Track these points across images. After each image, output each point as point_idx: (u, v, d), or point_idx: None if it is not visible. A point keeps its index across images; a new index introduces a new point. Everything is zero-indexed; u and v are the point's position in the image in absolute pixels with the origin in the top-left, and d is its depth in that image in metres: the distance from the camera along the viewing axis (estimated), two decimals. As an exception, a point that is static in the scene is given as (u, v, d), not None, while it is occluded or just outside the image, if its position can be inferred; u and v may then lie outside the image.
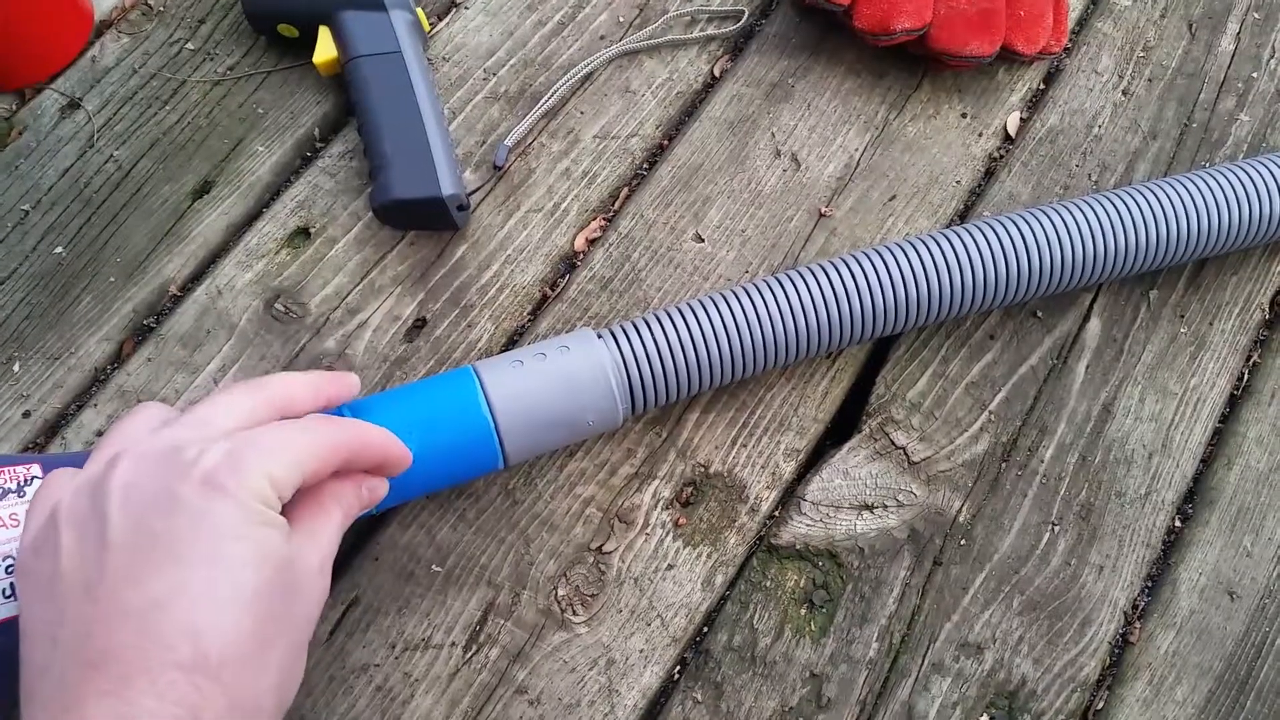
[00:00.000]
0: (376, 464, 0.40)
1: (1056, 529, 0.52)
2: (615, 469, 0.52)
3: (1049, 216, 0.52)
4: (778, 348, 0.50)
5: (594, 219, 0.58)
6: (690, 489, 0.52)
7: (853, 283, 0.50)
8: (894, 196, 0.59)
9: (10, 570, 0.39)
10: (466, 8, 0.64)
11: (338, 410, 0.43)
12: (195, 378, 0.53)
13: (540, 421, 0.46)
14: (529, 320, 0.56)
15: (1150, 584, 0.52)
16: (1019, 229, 0.51)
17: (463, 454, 0.45)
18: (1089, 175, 0.61)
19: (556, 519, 0.51)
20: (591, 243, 0.58)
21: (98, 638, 0.31)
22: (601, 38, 0.63)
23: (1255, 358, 0.57)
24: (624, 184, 0.60)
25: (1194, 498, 0.53)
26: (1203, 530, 0.53)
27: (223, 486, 0.33)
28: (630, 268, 0.57)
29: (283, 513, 0.36)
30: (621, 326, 0.49)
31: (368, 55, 0.57)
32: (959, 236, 0.51)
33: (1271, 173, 0.54)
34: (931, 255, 0.51)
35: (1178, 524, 0.53)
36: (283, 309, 0.55)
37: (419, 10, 0.60)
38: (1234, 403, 0.56)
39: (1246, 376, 0.56)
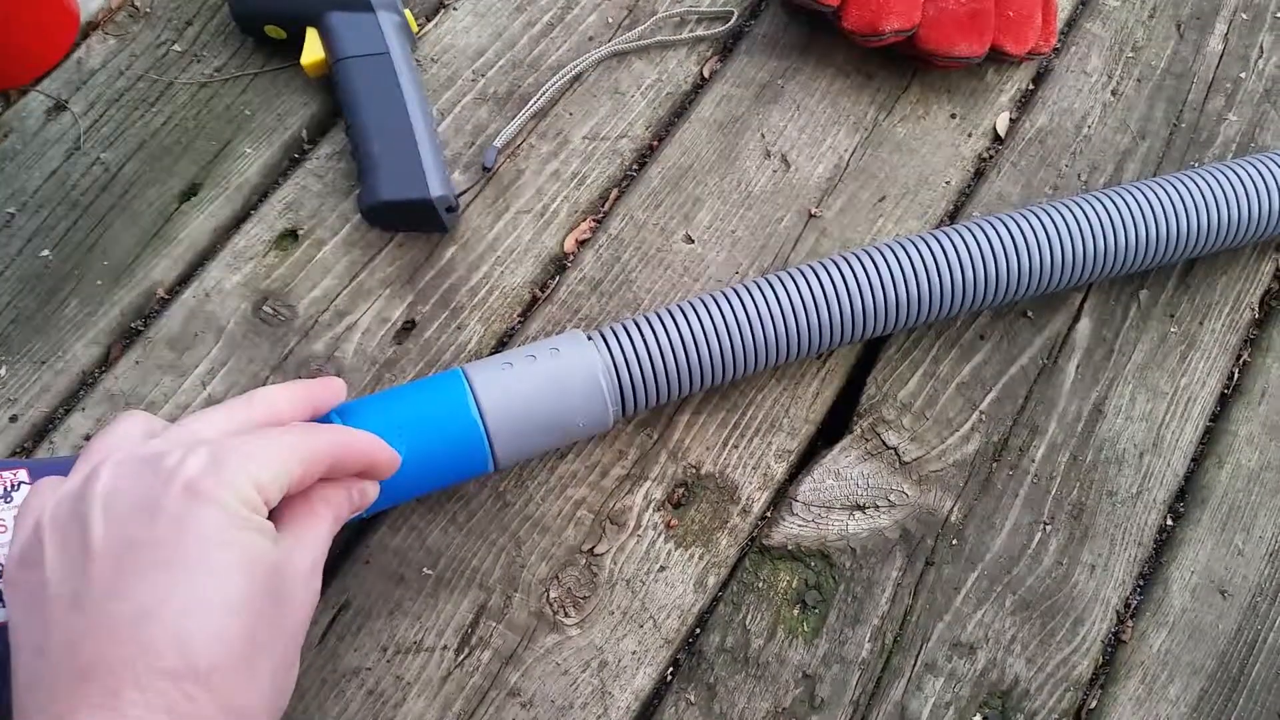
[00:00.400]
0: (364, 468, 0.40)
1: (1048, 528, 0.52)
2: (606, 470, 0.52)
3: (1039, 217, 0.52)
4: (768, 349, 0.50)
5: (584, 220, 0.58)
6: (682, 490, 0.52)
7: (843, 284, 0.50)
8: (884, 197, 0.59)
9: (-3, 576, 0.39)
10: (455, 9, 0.64)
11: (326, 416, 0.43)
12: (183, 380, 0.53)
13: (530, 424, 0.46)
14: (519, 322, 0.56)
15: (1142, 583, 0.52)
16: (1009, 230, 0.51)
17: (452, 457, 0.45)
18: (1078, 175, 0.61)
19: (548, 521, 0.51)
20: (581, 244, 0.58)
21: (86, 648, 0.31)
22: (590, 39, 0.63)
23: (1245, 357, 0.57)
24: (614, 185, 0.59)
25: (1185, 497, 0.54)
26: (1194, 529, 0.53)
27: (205, 492, 0.33)
28: (620, 269, 0.57)
29: (271, 517, 0.36)
30: (611, 328, 0.49)
31: (355, 57, 0.57)
32: (949, 237, 0.51)
33: (1260, 172, 0.54)
34: (921, 256, 0.51)
35: (1169, 523, 0.53)
36: (271, 311, 0.54)
37: (407, 11, 0.59)
38: (1224, 402, 0.56)
39: (1236, 375, 0.57)
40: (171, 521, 0.32)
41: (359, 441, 0.40)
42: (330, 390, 0.43)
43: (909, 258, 0.51)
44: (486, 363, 0.47)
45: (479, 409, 0.45)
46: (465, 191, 0.58)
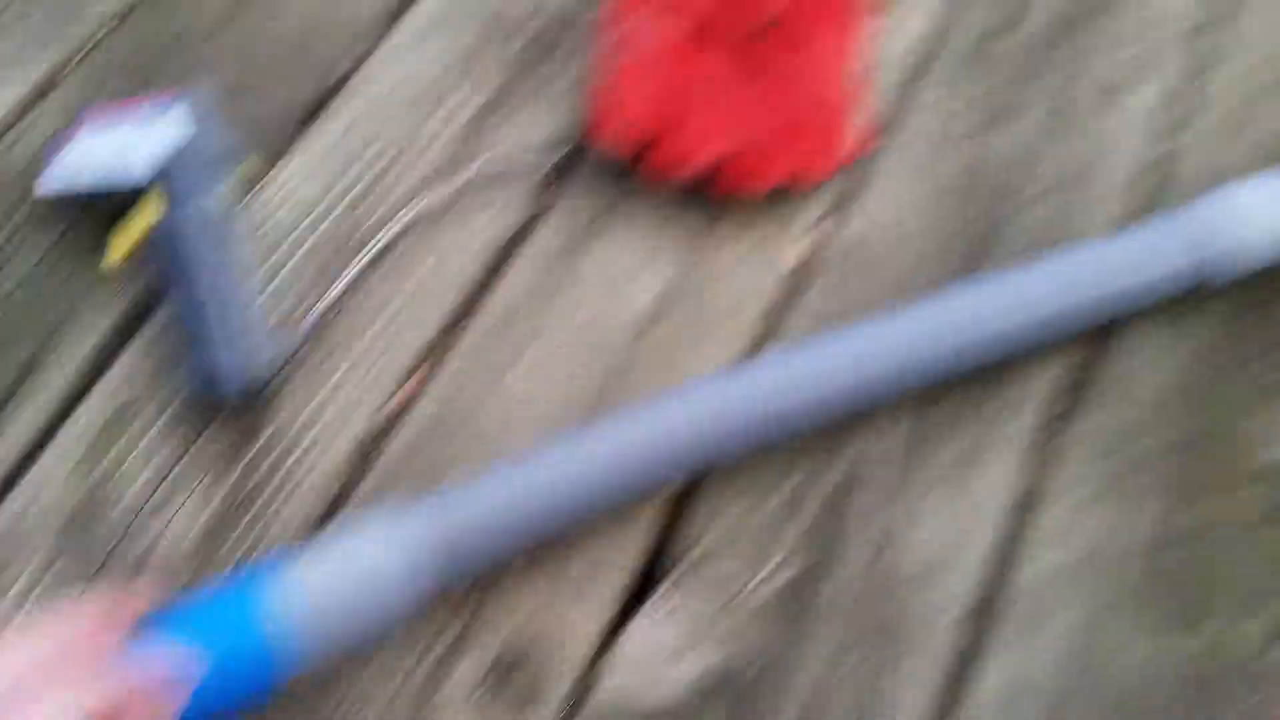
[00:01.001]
0: (158, 693, 0.42)
1: (856, 652, 0.53)
2: (422, 657, 0.52)
3: (828, 347, 0.55)
4: (582, 506, 0.52)
5: (412, 374, 0.59)
6: (500, 664, 0.52)
7: (652, 433, 0.52)
8: (702, 327, 0.61)
9: None
10: (283, 168, 0.65)
11: (134, 626, 0.44)
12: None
13: (338, 620, 0.47)
14: (350, 486, 0.56)
15: (950, 699, 0.53)
16: (799, 363, 0.54)
17: (247, 672, 0.45)
18: (896, 282, 0.62)
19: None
20: (409, 400, 0.59)
21: None
22: (415, 190, 0.64)
23: (1038, 459, 0.58)
24: (442, 334, 0.61)
25: (987, 605, 0.54)
26: (997, 637, 0.54)
27: None
28: (455, 420, 0.58)
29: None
30: (421, 509, 0.50)
31: (170, 234, 0.58)
32: (749, 375, 0.54)
33: (1060, 272, 0.57)
34: (724, 396, 0.53)
35: (973, 634, 0.54)
36: (92, 512, 0.55)
37: (239, 168, 0.61)
38: (1020, 506, 0.57)
39: (1030, 478, 0.58)
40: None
41: (147, 674, 0.41)
42: (133, 603, 0.45)
43: (708, 403, 0.53)
44: (289, 558, 0.47)
45: (280, 614, 0.46)
46: (288, 361, 0.59)
